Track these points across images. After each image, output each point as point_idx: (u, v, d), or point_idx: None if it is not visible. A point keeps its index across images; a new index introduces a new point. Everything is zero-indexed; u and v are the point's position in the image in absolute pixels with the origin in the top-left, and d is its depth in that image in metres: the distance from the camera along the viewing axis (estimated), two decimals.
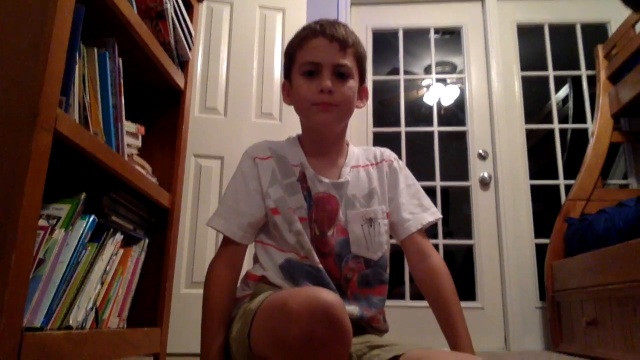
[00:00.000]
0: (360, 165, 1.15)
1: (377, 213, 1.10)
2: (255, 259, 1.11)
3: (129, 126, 1.43)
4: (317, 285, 1.00)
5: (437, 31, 3.24)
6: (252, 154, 1.13)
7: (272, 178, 1.09)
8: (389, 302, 2.44)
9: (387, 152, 1.21)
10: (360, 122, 2.99)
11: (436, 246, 2.79)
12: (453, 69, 3.86)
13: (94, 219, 1.16)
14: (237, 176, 1.12)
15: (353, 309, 1.02)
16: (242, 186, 1.10)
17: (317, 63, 1.06)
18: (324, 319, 0.73)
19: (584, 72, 3.01)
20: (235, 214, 1.08)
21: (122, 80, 1.32)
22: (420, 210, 1.14)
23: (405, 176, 1.18)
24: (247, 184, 1.10)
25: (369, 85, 3.07)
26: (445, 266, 1.10)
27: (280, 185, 1.09)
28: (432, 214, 1.15)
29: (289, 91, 1.15)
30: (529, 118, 2.99)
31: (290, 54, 1.13)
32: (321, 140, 1.13)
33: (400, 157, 3.00)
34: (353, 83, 1.09)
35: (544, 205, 3.09)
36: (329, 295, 0.76)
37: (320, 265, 1.03)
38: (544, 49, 3.06)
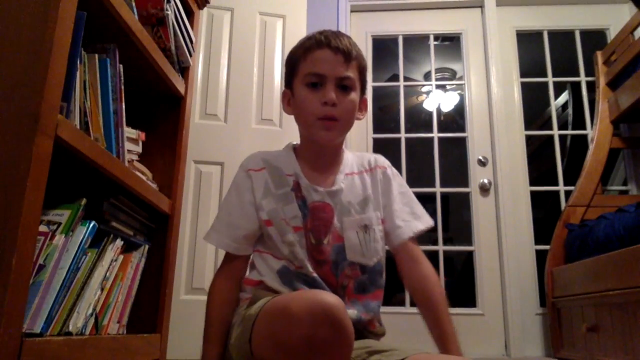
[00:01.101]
0: (354, 172, 1.16)
1: (372, 220, 1.11)
2: (252, 266, 1.12)
3: (129, 132, 1.44)
4: None
5: (436, 37, 3.25)
6: (246, 166, 1.14)
7: (265, 190, 1.10)
8: (389, 309, 2.44)
9: (382, 159, 1.21)
10: (360, 128, 2.99)
11: (436, 252, 2.79)
12: (453, 75, 3.87)
13: (94, 225, 1.16)
14: (232, 189, 1.14)
15: (351, 312, 1.02)
16: (235, 199, 1.12)
17: (321, 75, 1.06)
18: (325, 320, 0.73)
19: (583, 78, 3.02)
20: (229, 227, 1.10)
21: (122, 86, 1.33)
22: (412, 218, 1.15)
23: (399, 184, 1.18)
24: (240, 197, 1.11)
25: (369, 91, 3.08)
26: (435, 273, 1.11)
27: (274, 197, 1.09)
28: (424, 222, 1.15)
29: (289, 100, 1.15)
30: (528, 124, 3.00)
31: (293, 63, 1.13)
32: (319, 152, 1.14)
33: (400, 163, 3.01)
34: (355, 96, 1.09)
35: (544, 211, 3.09)
36: (330, 297, 0.76)
37: (315, 275, 1.04)
38: (543, 55, 3.07)
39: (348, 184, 1.12)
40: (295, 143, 1.19)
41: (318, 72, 1.06)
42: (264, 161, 1.14)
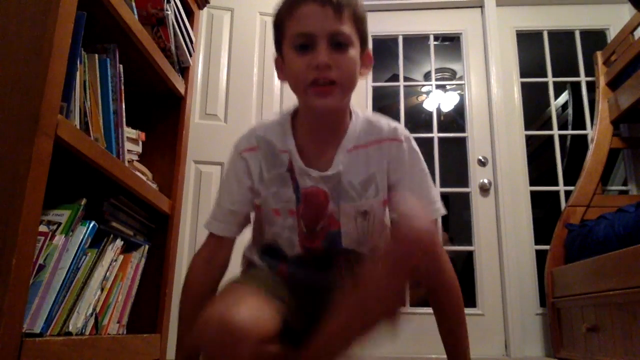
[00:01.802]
0: (360, 146, 1.01)
1: (372, 205, 1.01)
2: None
3: (129, 132, 1.44)
4: None
5: (436, 37, 3.25)
6: (239, 148, 1.05)
7: (260, 174, 1.03)
8: None
9: (399, 130, 1.03)
10: None
11: None
12: (453, 75, 3.87)
13: (94, 225, 1.16)
14: (229, 175, 1.07)
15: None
16: (236, 187, 1.05)
17: (309, 34, 0.92)
18: (220, 340, 0.76)
19: (583, 79, 3.01)
20: (233, 215, 1.05)
21: (122, 86, 1.33)
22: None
23: (412, 163, 1.03)
24: (239, 183, 1.04)
25: (369, 91, 3.07)
26: (452, 275, 1.02)
27: (266, 182, 1.02)
28: (430, 213, 1.03)
29: (282, 66, 1.03)
30: (528, 124, 3.00)
31: (279, 24, 1.01)
32: (319, 121, 1.02)
33: None
34: (354, 52, 0.95)
35: (544, 211, 3.09)
36: (239, 322, 0.76)
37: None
38: (543, 55, 3.07)
39: (349, 162, 1.00)
40: (293, 108, 1.06)
41: (306, 32, 0.93)
42: (257, 139, 1.04)
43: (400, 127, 1.04)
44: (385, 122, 1.04)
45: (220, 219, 1.06)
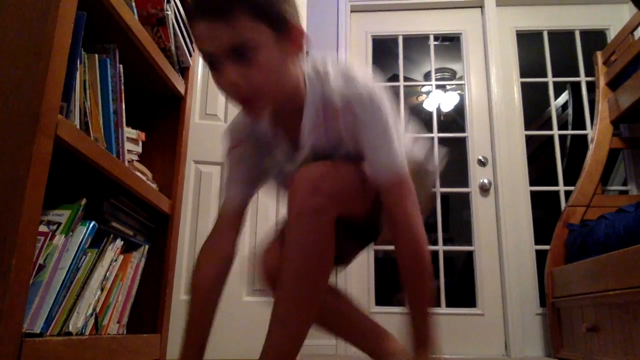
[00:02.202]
0: (319, 119, 0.98)
1: None
2: None
3: (129, 132, 1.44)
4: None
5: (436, 38, 3.25)
6: (228, 145, 1.10)
7: (254, 164, 1.09)
8: (389, 309, 2.40)
9: (353, 95, 0.94)
10: None
11: (436, 252, 2.79)
12: (453, 75, 3.87)
13: (94, 225, 1.16)
14: (234, 163, 1.10)
15: None
16: (229, 172, 1.10)
17: (208, 55, 0.86)
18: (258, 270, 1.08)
19: (583, 79, 3.01)
20: (253, 184, 1.11)
21: (122, 86, 1.33)
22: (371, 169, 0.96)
23: (365, 124, 0.94)
24: (232, 168, 1.10)
25: None
26: (409, 217, 0.94)
27: (267, 170, 1.11)
28: (393, 172, 0.94)
29: None
30: (528, 124, 3.00)
31: None
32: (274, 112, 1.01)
33: None
34: (265, 53, 0.85)
35: (544, 211, 3.09)
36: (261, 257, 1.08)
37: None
38: (543, 55, 3.07)
39: (314, 139, 0.99)
40: None
41: (204, 53, 0.87)
42: (240, 134, 1.09)
43: (354, 90, 0.94)
44: (341, 87, 0.95)
45: (232, 195, 1.09)
